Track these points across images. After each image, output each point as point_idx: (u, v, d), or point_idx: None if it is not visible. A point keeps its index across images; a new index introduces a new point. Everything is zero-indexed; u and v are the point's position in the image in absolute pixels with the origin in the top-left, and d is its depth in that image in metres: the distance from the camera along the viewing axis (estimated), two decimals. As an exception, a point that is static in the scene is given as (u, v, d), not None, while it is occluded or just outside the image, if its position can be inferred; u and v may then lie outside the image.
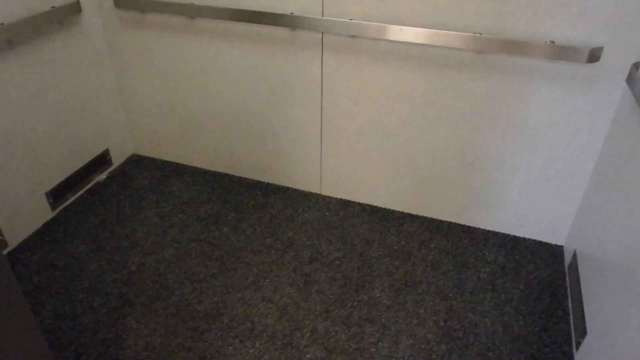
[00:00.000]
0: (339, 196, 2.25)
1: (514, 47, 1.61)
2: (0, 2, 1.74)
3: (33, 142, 1.98)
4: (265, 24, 1.88)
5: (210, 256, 1.93)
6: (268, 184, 2.33)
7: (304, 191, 2.28)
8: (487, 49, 1.65)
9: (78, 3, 2.03)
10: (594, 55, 1.56)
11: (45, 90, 1.99)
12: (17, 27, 1.78)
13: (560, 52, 1.58)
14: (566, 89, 1.68)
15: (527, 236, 2.04)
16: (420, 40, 1.69)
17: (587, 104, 1.68)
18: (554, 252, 1.97)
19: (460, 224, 2.10)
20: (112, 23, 2.17)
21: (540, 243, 2.01)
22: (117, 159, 2.46)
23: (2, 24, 1.73)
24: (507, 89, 1.75)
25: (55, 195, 2.13)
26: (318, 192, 2.28)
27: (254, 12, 1.85)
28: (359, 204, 2.21)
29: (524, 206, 1.98)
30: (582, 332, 1.55)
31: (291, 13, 1.83)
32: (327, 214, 2.15)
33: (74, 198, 2.23)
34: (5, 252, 1.94)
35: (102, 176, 2.37)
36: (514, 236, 2.04)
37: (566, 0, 1.54)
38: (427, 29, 1.67)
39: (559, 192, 1.89)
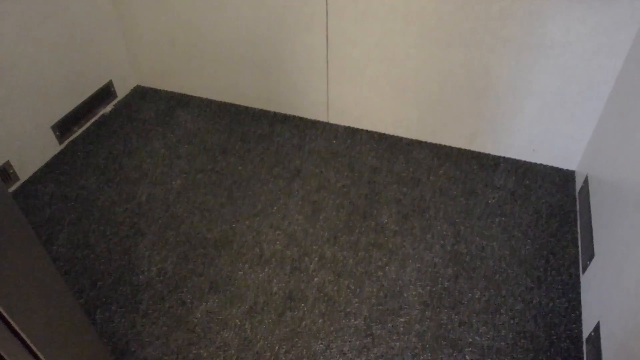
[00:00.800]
0: (346, 124, 2.18)
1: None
2: None
3: (34, 75, 1.92)
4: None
5: (219, 186, 1.92)
6: (274, 113, 2.26)
7: (310, 119, 2.22)
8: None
9: None
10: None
11: (42, 21, 1.89)
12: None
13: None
14: (586, 5, 1.55)
15: (538, 162, 1.98)
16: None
17: (607, 21, 1.55)
18: (565, 177, 1.92)
19: (470, 150, 2.04)
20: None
21: (552, 168, 1.96)
22: (122, 91, 2.40)
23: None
24: (522, 6, 1.61)
25: (62, 128, 2.10)
26: (325, 120, 2.21)
27: None
28: (366, 131, 2.15)
29: (536, 131, 1.90)
30: (590, 255, 1.53)
31: None
32: (334, 142, 2.10)
33: (80, 131, 2.19)
34: (17, 185, 1.94)
35: (107, 109, 2.32)
36: (525, 162, 1.99)
37: None
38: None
39: (573, 115, 1.81)
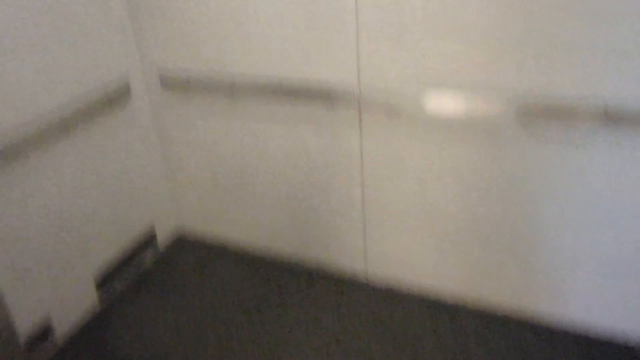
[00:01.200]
0: (386, 281, 2.02)
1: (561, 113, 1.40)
2: (58, 92, 1.72)
3: (81, 223, 1.89)
4: (302, 98, 1.76)
5: (252, 354, 1.77)
6: (312, 267, 2.14)
7: (349, 278, 2.07)
8: (531, 117, 1.43)
9: (127, 86, 2.00)
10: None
11: (95, 171, 1.92)
12: (74, 117, 1.78)
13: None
14: (630, 156, 1.41)
15: (600, 334, 1.74)
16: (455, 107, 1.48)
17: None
18: (634, 356, 1.67)
19: (523, 317, 1.82)
20: (158, 103, 2.11)
21: (617, 345, 1.71)
22: (163, 241, 2.35)
23: (61, 116, 1.72)
24: (561, 161, 1.50)
25: (103, 283, 2.04)
26: (364, 273, 2.07)
27: (291, 87, 1.76)
28: (408, 292, 1.98)
29: (594, 298, 1.69)
30: None
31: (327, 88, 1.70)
32: (375, 307, 1.92)
33: (121, 287, 2.12)
34: (55, 347, 1.85)
35: (148, 261, 2.26)
36: (586, 334, 1.74)
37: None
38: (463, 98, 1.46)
39: (635, 276, 1.59)
